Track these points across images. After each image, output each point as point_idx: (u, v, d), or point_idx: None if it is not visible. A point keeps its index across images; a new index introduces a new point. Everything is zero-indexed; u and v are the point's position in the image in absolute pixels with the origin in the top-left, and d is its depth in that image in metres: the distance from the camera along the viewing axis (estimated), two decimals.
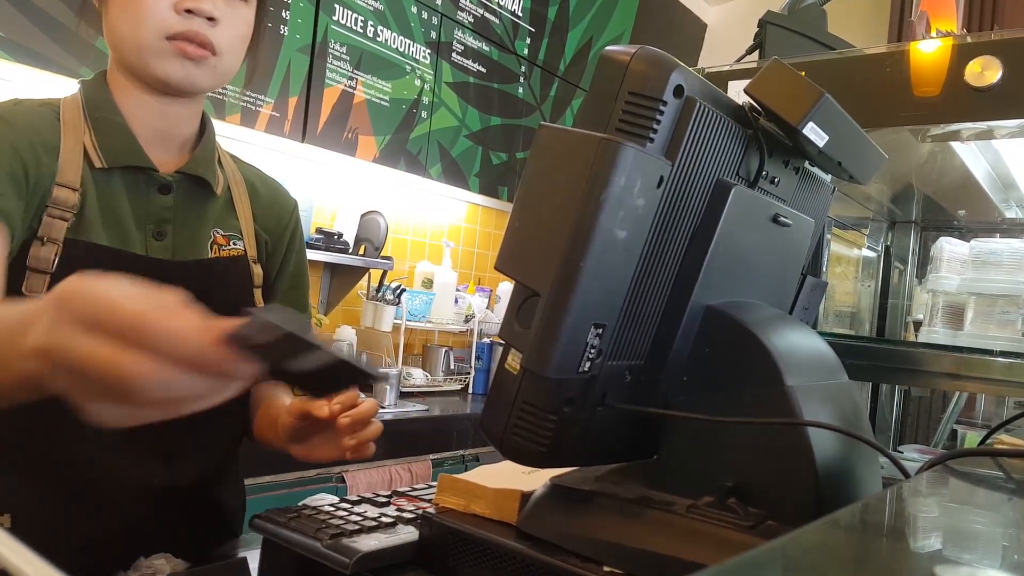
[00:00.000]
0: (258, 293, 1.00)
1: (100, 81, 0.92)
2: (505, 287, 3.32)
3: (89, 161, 0.88)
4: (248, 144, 2.32)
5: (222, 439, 0.99)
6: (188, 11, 0.85)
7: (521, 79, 3.27)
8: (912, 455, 1.40)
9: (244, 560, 0.91)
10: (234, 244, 0.98)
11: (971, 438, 1.86)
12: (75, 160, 0.86)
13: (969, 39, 0.98)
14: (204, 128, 0.98)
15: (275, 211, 1.06)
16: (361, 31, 2.60)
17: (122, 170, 0.89)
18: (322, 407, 0.83)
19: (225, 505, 1.01)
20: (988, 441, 0.94)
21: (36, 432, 0.84)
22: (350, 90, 2.58)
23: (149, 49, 0.86)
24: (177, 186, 0.93)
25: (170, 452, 0.91)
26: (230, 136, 2.25)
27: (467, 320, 3.15)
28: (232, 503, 1.02)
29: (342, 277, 2.85)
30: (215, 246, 0.96)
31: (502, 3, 3.15)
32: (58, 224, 0.83)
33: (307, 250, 1.13)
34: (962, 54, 0.97)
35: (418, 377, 2.89)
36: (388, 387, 2.51)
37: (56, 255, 0.82)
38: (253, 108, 2.31)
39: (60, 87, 1.94)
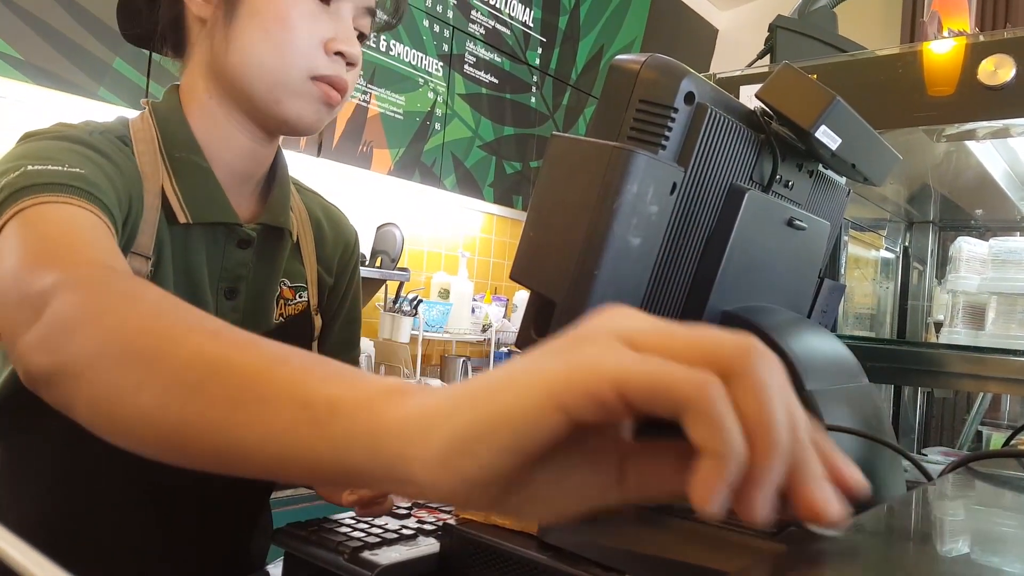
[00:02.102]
0: (315, 345, 0.91)
1: (176, 109, 0.79)
2: (521, 296, 3.32)
3: (168, 212, 0.76)
4: None
5: (261, 488, 0.93)
6: (339, 54, 0.76)
7: (533, 89, 3.28)
8: (936, 458, 1.38)
9: (267, 573, 0.91)
10: (299, 296, 0.89)
11: (996, 439, 1.84)
12: (152, 218, 0.74)
13: (982, 38, 0.97)
14: (276, 163, 0.88)
15: (338, 250, 0.97)
16: (374, 46, 2.62)
17: (203, 224, 0.78)
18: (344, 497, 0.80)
19: (254, 551, 0.94)
20: (1012, 442, 0.93)
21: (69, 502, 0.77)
22: (364, 104, 2.60)
23: (290, 88, 0.75)
24: (257, 239, 0.83)
25: (207, 509, 0.84)
26: None
27: (484, 330, 3.15)
28: (261, 546, 0.96)
29: None
30: (281, 300, 0.87)
31: (513, 14, 3.16)
32: None
33: None
34: (975, 53, 0.96)
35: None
36: None
37: None
38: None
39: (77, 108, 1.97)
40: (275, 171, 0.87)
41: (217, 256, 0.80)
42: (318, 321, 0.92)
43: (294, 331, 0.88)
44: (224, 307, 0.81)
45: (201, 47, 0.79)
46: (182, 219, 0.76)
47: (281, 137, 0.85)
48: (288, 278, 0.88)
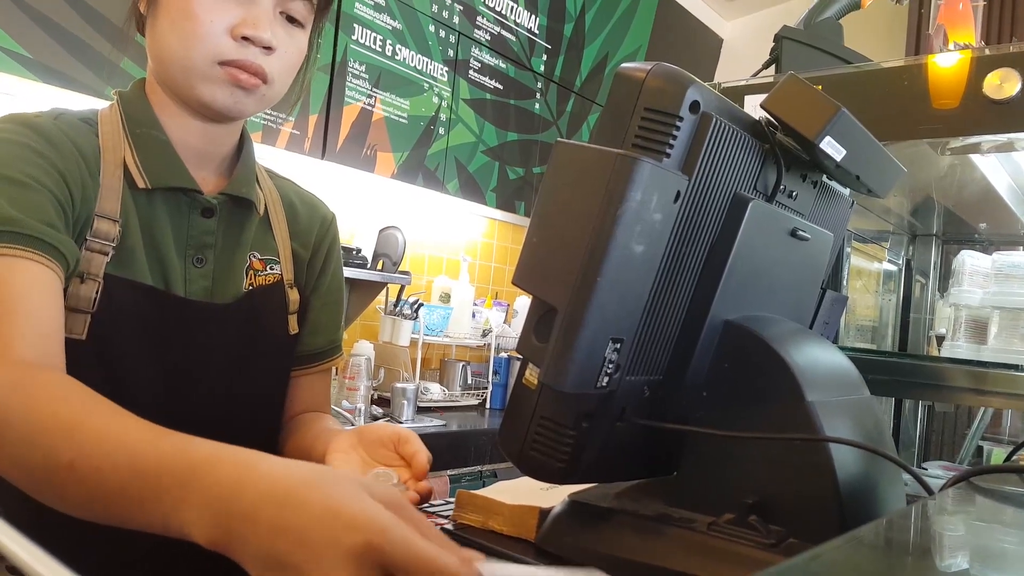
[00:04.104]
0: (292, 320, 0.95)
1: (139, 94, 0.86)
2: (523, 301, 3.32)
3: (130, 181, 0.82)
4: (269, 162, 2.33)
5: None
6: (245, 38, 0.79)
7: (537, 95, 3.29)
8: (937, 472, 1.38)
9: None
10: (271, 268, 0.93)
11: (997, 454, 1.83)
12: (115, 185, 0.80)
13: (987, 51, 0.97)
14: (242, 144, 0.93)
15: (314, 225, 1.01)
16: (380, 50, 2.62)
17: (164, 192, 0.83)
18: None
19: None
20: (1014, 457, 0.92)
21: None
22: (369, 108, 2.60)
23: (198, 73, 0.80)
24: (220, 208, 0.87)
25: None
26: None
27: (484, 335, 3.14)
28: None
29: (360, 292, 2.87)
30: (251, 271, 0.91)
31: (518, 20, 3.17)
32: (98, 259, 0.77)
33: None
34: (980, 67, 0.96)
35: (435, 392, 2.89)
36: (405, 402, 2.51)
37: (97, 293, 0.77)
38: (274, 126, 2.33)
39: (84, 107, 1.96)
40: (240, 152, 0.92)
41: (182, 224, 0.85)
42: (294, 295, 0.95)
43: (263, 301, 0.91)
44: (193, 273, 0.85)
45: (148, 40, 0.86)
46: (141, 184, 0.81)
47: (242, 121, 0.89)
48: (258, 250, 0.92)
